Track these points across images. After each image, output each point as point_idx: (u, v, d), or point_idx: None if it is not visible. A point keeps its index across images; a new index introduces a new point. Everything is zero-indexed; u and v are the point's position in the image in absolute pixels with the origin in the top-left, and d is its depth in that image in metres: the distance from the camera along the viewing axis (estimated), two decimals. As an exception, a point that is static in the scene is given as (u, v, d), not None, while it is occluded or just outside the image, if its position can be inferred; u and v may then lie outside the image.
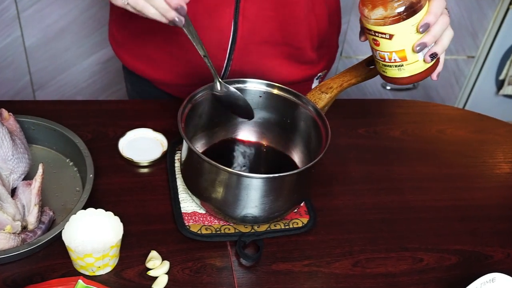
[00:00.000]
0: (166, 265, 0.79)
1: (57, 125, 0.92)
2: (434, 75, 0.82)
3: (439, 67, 0.82)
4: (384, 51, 0.80)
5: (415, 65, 0.80)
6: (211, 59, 0.80)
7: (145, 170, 0.94)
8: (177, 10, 0.71)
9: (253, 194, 0.79)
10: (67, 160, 0.93)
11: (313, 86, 1.13)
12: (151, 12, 0.71)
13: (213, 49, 0.97)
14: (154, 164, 0.94)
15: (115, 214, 0.79)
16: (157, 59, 1.04)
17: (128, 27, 1.04)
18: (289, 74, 1.03)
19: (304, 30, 0.98)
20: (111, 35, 1.10)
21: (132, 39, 1.04)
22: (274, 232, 0.86)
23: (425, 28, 0.75)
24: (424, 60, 0.79)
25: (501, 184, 1.01)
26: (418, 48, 0.77)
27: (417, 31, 0.76)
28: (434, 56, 0.79)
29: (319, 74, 1.09)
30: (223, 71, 1.01)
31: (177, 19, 0.72)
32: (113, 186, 0.90)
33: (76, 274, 0.77)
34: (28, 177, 0.86)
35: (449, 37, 0.78)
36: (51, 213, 0.82)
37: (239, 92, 0.86)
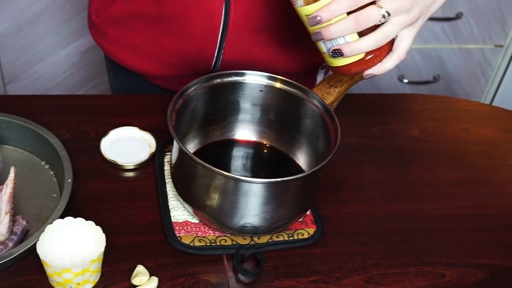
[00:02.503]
0: (154, 281, 0.80)
1: (31, 123, 0.92)
2: (386, 65, 0.78)
3: (398, 53, 0.78)
4: None
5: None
6: (200, 46, 0.80)
7: (130, 174, 0.94)
8: None
9: (252, 201, 0.79)
10: (42, 163, 0.93)
11: (318, 77, 1.13)
12: None
13: (203, 35, 0.97)
14: (140, 167, 0.95)
15: (96, 224, 0.79)
16: (142, 48, 1.04)
17: (109, 11, 1.04)
18: (289, 63, 1.03)
19: None
20: (90, 21, 1.10)
21: (113, 25, 1.05)
22: (276, 244, 0.86)
23: (313, 22, 0.74)
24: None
25: (533, 189, 1.02)
26: (314, 36, 0.76)
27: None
28: (336, 53, 0.76)
29: (324, 64, 1.09)
30: (214, 60, 1.01)
31: None
32: (95, 192, 0.90)
33: (53, 291, 0.77)
34: (-2, 182, 0.87)
35: (368, 41, 0.74)
36: (24, 223, 0.82)
37: None
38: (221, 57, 1.00)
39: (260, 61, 1.01)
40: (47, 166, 0.92)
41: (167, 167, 0.94)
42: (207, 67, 1.02)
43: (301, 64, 1.05)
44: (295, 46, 1.03)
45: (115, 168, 0.94)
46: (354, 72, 0.80)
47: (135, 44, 1.04)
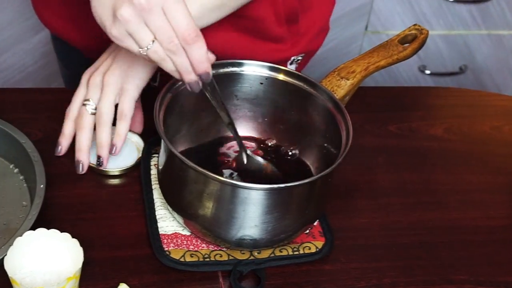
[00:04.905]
0: (140, 302, 0.80)
1: (-3, 120, 0.93)
2: None
3: None
4: None
5: None
6: None
7: (112, 180, 0.94)
8: (200, 76, 0.78)
9: (252, 211, 0.79)
10: (11, 166, 0.93)
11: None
12: (169, 66, 0.77)
13: None
14: (124, 171, 0.95)
15: (73, 236, 0.79)
16: (81, 18, 1.00)
17: None
18: (250, 52, 1.01)
19: None
20: None
21: None
22: (279, 259, 0.86)
23: None
24: None
25: None
26: None
27: None
28: None
29: (292, 58, 1.08)
30: None
31: (194, 83, 0.79)
32: (71, 199, 0.90)
33: (23, 314, 0.77)
34: (-40, 188, 0.87)
35: None
36: (-10, 235, 0.82)
37: (268, 164, 0.92)
38: None
39: (222, 46, 0.97)
40: (16, 170, 0.92)
41: (154, 171, 0.94)
42: None
43: (267, 58, 1.03)
44: (259, 33, 1.01)
45: (95, 172, 0.94)
46: None
47: (75, 12, 1.01)
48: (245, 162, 0.90)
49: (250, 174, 0.90)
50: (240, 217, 0.79)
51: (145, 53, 0.76)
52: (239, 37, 1.02)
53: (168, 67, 0.77)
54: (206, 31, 0.99)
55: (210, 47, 0.98)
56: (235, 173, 0.90)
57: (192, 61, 0.76)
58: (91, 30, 1.01)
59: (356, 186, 0.98)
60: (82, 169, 0.91)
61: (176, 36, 0.74)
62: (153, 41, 0.75)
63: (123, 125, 0.90)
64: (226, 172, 0.90)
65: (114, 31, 0.75)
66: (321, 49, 1.15)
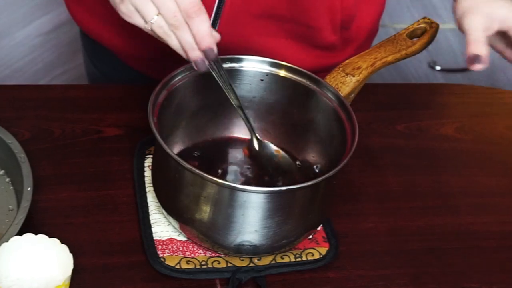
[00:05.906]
0: (133, 312, 0.80)
1: (-18, 119, 0.92)
2: None
3: None
4: None
5: None
6: None
7: (103, 182, 0.94)
8: (205, 52, 0.79)
9: (252, 215, 0.79)
10: (-3, 168, 0.93)
11: None
12: (174, 43, 0.80)
13: None
14: (116, 173, 0.94)
15: (62, 242, 0.79)
16: (114, 16, 1.03)
17: None
18: (297, 60, 1.02)
19: (322, 4, 0.98)
20: None
21: None
22: (280, 266, 0.86)
23: None
24: None
25: None
26: None
27: None
28: None
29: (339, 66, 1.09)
30: None
31: (200, 61, 0.80)
32: (60, 203, 0.90)
33: (9, 324, 0.77)
34: None
35: None
36: (-26, 241, 0.82)
37: (280, 151, 0.92)
38: None
39: (262, 52, 1.00)
40: (1, 172, 0.92)
41: (148, 173, 0.94)
42: None
43: (315, 63, 1.05)
44: (310, 40, 1.03)
45: (84, 175, 0.94)
46: None
47: (109, 11, 1.03)
48: (257, 148, 0.90)
49: (263, 161, 0.91)
50: (239, 221, 0.79)
51: (150, 28, 0.79)
52: (288, 44, 1.03)
53: (173, 43, 0.80)
54: (258, 38, 1.00)
55: (254, 52, 0.99)
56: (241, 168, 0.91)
57: (195, 36, 0.78)
58: (123, 30, 1.02)
59: (362, 189, 0.98)
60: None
61: (179, 11, 0.77)
62: (157, 15, 0.78)
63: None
64: (232, 170, 0.91)
65: (122, 8, 0.80)
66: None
